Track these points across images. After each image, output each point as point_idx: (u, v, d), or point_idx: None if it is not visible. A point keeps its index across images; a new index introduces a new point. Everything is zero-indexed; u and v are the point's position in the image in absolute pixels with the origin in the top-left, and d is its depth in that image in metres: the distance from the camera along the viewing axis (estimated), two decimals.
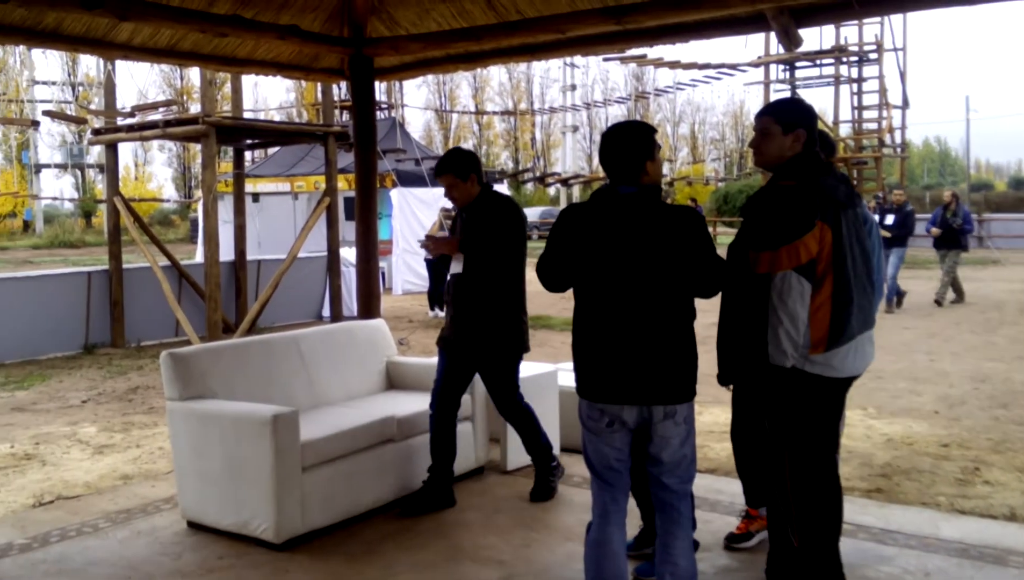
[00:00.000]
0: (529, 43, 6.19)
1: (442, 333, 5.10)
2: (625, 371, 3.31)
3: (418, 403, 5.33)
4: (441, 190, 5.46)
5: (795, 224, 3.44)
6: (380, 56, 6.66)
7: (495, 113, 59.25)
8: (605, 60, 33.26)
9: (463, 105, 61.02)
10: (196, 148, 30.58)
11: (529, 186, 54.01)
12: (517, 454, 5.73)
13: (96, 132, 13.69)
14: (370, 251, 6.64)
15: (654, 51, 22.60)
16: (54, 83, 48.72)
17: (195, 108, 27.64)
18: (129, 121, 13.71)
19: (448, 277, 5.09)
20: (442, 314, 15.41)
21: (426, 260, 15.60)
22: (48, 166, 52.79)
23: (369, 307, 6.67)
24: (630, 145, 3.41)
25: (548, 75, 63.20)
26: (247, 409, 4.70)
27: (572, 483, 5.45)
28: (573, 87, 48.91)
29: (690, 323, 3.41)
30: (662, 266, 3.31)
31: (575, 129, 52.17)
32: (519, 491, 5.35)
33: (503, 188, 22.34)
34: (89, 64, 48.89)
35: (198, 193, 29.01)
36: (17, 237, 47.12)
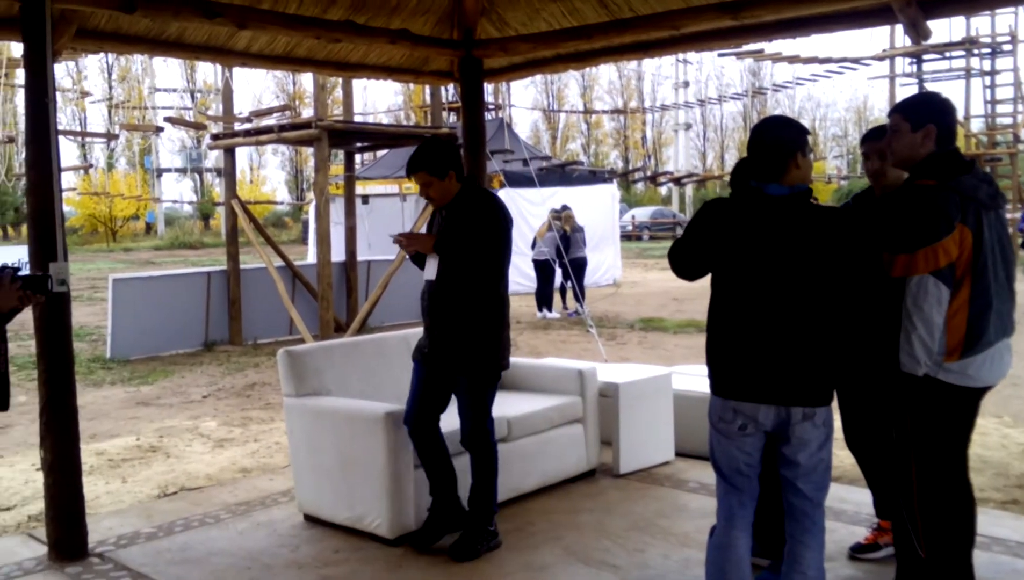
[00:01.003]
0: (641, 40, 6.07)
1: (418, 343, 4.60)
2: (767, 369, 3.20)
3: (529, 404, 5.31)
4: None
5: (934, 226, 3.27)
6: (489, 57, 6.66)
7: (604, 112, 58.70)
8: (720, 56, 32.66)
9: (571, 104, 60.78)
10: (308, 152, 31.28)
11: (640, 185, 53.55)
12: (630, 457, 5.65)
13: (214, 137, 14.20)
14: None
15: (772, 46, 22.11)
16: (174, 90, 50.84)
17: (307, 113, 28.37)
18: (245, 126, 14.14)
19: (423, 282, 4.50)
20: (551, 315, 15.45)
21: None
22: (169, 170, 54.93)
23: None
24: (778, 137, 3.28)
25: (660, 72, 62.32)
26: (360, 406, 4.76)
27: (687, 489, 5.34)
28: (686, 84, 48.19)
29: (832, 327, 3.26)
30: (812, 269, 3.18)
31: (688, 127, 51.41)
32: (631, 495, 5.28)
33: (612, 187, 22.20)
34: (207, 71, 50.85)
35: (310, 196, 29.69)
36: (140, 238, 49.31)
